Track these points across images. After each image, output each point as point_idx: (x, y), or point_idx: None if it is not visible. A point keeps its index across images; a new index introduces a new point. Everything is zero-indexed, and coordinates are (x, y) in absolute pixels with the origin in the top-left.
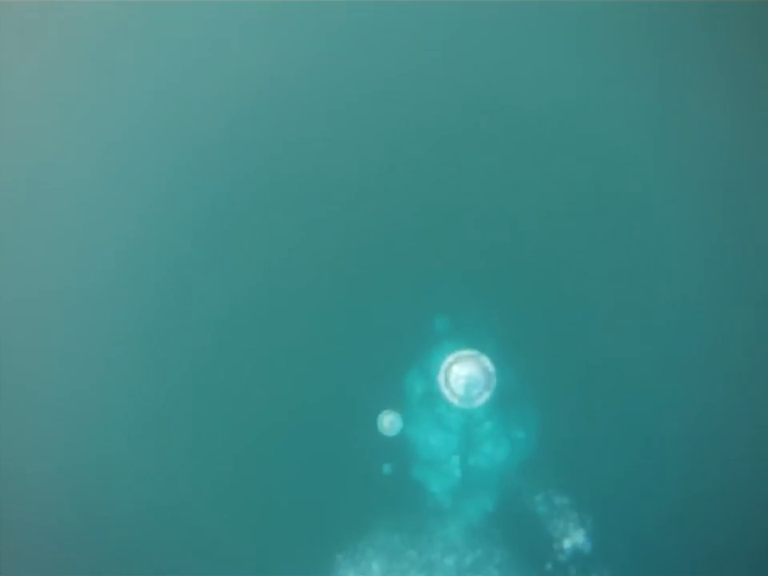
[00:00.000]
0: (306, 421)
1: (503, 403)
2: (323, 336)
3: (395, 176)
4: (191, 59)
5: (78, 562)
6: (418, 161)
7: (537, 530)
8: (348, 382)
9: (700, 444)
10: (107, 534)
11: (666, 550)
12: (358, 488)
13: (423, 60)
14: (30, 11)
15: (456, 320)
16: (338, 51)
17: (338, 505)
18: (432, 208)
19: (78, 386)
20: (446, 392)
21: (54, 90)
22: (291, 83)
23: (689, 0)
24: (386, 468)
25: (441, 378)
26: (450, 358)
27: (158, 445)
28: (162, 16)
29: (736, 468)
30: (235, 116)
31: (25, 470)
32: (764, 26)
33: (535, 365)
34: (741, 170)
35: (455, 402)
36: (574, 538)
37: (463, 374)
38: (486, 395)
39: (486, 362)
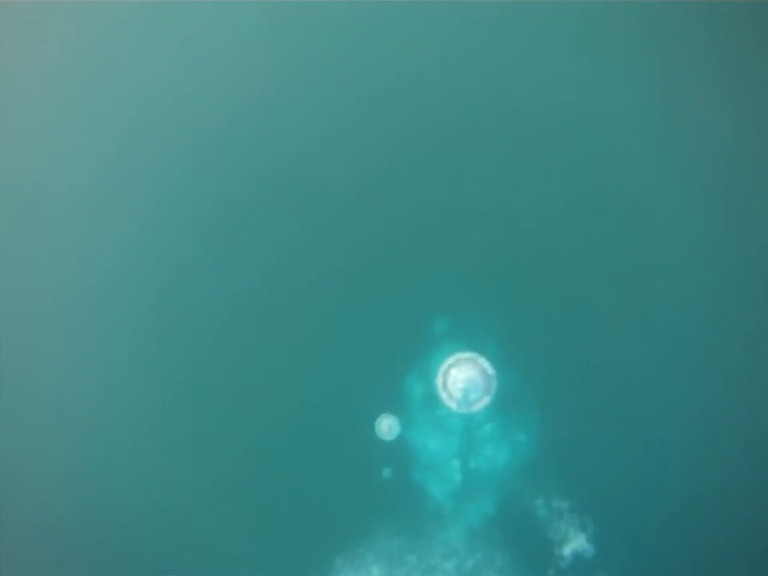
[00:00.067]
0: (303, 425)
1: (503, 406)
2: (320, 338)
3: (395, 176)
4: (191, 59)
5: (79, 562)
6: (418, 161)
7: (538, 534)
8: (345, 385)
9: (700, 444)
10: (107, 534)
11: (666, 551)
12: (356, 492)
13: (423, 60)
14: (29, 11)
15: (455, 321)
16: (338, 51)
17: (337, 509)
18: (432, 208)
19: (79, 387)
20: (444, 396)
21: (54, 90)
22: (291, 83)
23: (690, 0)
24: (386, 472)
25: (439, 382)
26: (448, 361)
27: (158, 448)
28: (162, 16)
29: (736, 468)
30: (235, 116)
31: (25, 471)
32: (764, 26)
33: (535, 366)
34: (741, 170)
35: (453, 406)
36: (575, 541)
37: (461, 377)
38: (486, 400)
39: (486, 364)
